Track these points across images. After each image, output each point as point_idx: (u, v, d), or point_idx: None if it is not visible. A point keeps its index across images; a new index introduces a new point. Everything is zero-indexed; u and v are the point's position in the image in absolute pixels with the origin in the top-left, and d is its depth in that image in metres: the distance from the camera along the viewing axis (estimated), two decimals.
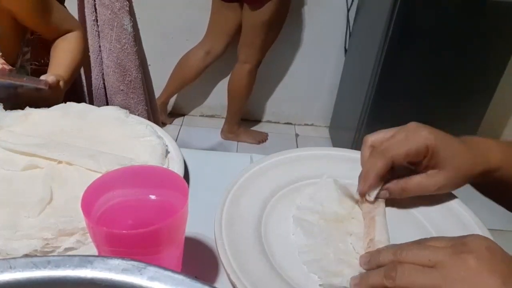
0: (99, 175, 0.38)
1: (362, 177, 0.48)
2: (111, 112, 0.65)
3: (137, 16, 0.97)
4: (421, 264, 0.35)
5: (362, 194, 0.49)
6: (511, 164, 0.49)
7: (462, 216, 0.50)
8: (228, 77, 2.11)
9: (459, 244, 0.35)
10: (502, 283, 0.32)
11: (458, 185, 0.49)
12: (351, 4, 2.01)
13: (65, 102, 0.67)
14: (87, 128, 0.62)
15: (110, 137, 0.60)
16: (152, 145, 0.59)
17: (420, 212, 0.51)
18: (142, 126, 0.63)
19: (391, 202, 0.52)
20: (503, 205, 0.55)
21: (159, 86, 2.26)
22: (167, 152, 0.60)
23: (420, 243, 0.38)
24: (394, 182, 0.49)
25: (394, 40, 1.61)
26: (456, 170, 0.47)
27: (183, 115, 2.44)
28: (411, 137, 0.47)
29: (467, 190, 0.56)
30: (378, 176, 0.47)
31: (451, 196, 0.53)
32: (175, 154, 0.60)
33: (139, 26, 0.99)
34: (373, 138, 0.50)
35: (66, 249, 0.43)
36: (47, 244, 0.43)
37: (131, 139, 0.60)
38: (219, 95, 2.34)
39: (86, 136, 0.60)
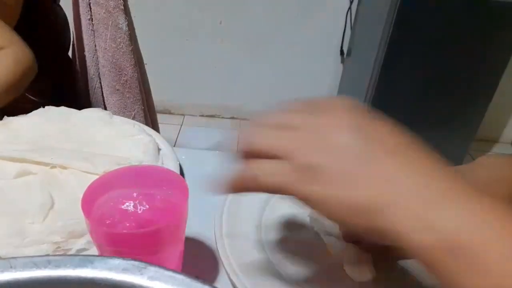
0: (96, 177, 0.38)
1: None
2: (94, 114, 0.64)
3: (136, 15, 0.97)
4: (279, 126, 0.32)
5: None
6: None
7: None
8: (229, 77, 2.10)
9: (313, 106, 0.33)
10: (357, 131, 0.30)
11: None
12: (350, 4, 2.01)
13: (59, 104, 0.65)
14: (73, 130, 0.60)
15: (99, 138, 0.59)
16: (144, 143, 0.58)
17: None
18: (129, 125, 0.62)
19: None
20: None
21: (157, 86, 2.25)
22: (159, 149, 0.59)
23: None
24: None
25: (393, 40, 1.61)
26: None
27: (183, 115, 2.44)
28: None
29: None
30: None
31: None
32: (167, 151, 0.59)
33: (139, 25, 0.98)
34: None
35: (78, 251, 0.43)
36: (58, 247, 0.43)
37: (121, 139, 0.59)
38: (219, 95, 2.33)
39: (74, 139, 0.58)
